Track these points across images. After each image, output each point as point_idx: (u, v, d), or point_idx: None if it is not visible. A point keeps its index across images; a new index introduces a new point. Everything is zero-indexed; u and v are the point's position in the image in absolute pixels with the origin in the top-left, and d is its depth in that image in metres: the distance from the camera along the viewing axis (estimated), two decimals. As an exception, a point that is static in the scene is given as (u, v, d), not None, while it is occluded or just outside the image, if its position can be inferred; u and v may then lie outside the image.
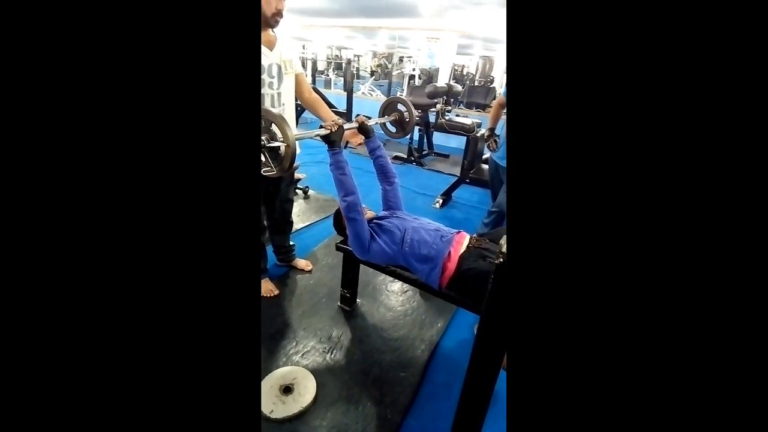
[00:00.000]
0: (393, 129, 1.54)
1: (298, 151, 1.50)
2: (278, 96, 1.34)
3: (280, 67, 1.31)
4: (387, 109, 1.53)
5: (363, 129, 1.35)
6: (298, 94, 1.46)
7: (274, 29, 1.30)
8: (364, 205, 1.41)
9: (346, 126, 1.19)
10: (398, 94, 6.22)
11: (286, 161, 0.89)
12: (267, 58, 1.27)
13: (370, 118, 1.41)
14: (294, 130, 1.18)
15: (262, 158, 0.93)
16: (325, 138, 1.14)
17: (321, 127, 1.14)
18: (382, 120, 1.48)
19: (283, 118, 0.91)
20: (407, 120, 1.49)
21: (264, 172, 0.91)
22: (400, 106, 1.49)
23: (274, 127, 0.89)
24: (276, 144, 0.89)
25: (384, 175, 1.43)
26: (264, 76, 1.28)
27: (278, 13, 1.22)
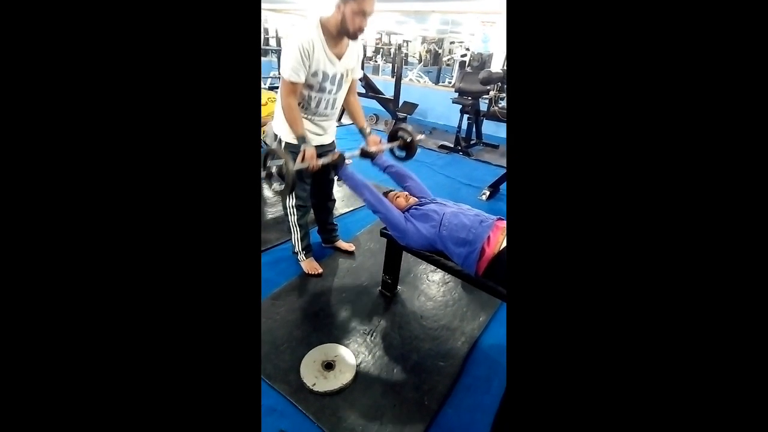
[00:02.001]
0: (402, 153, 1.62)
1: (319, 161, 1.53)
2: (333, 101, 1.39)
3: (343, 75, 1.34)
4: (394, 136, 1.62)
5: (365, 154, 1.47)
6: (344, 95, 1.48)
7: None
8: (404, 192, 1.42)
9: (347, 154, 1.38)
10: (447, 81, 6.03)
11: (287, 185, 1.20)
12: (334, 67, 1.29)
13: (381, 140, 1.53)
14: (329, 133, 1.51)
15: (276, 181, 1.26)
16: (327, 164, 1.36)
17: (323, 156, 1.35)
18: (390, 146, 1.57)
19: (287, 154, 1.18)
20: (410, 142, 1.58)
21: (274, 190, 1.26)
22: (402, 133, 1.60)
23: (280, 159, 1.20)
24: (282, 176, 1.20)
25: (401, 179, 1.50)
26: (326, 84, 1.31)
27: (360, 30, 1.22)
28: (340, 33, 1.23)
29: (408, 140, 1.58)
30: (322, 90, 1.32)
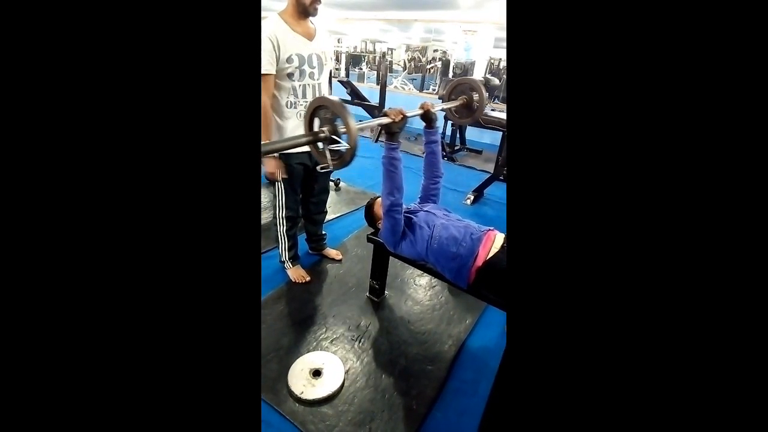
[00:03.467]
0: (457, 114, 1.41)
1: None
2: (318, 87, 1.36)
3: (320, 57, 1.33)
4: (454, 91, 1.37)
5: (427, 118, 1.24)
6: None
7: (313, 22, 1.32)
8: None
9: (409, 114, 1.08)
10: (431, 88, 6.13)
11: (347, 155, 0.79)
12: (307, 48, 1.29)
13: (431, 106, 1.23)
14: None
15: (321, 151, 0.83)
16: (387, 128, 1.06)
17: (383, 115, 1.04)
18: (449, 105, 1.34)
19: (345, 107, 0.80)
20: (476, 106, 1.33)
21: (320, 168, 0.87)
22: (469, 90, 1.32)
23: (334, 119, 0.80)
24: (337, 142, 0.80)
25: (431, 170, 1.39)
26: (305, 67, 1.30)
27: (317, 0, 1.24)
28: (299, 13, 1.26)
29: (474, 101, 1.27)
30: (303, 74, 1.30)
